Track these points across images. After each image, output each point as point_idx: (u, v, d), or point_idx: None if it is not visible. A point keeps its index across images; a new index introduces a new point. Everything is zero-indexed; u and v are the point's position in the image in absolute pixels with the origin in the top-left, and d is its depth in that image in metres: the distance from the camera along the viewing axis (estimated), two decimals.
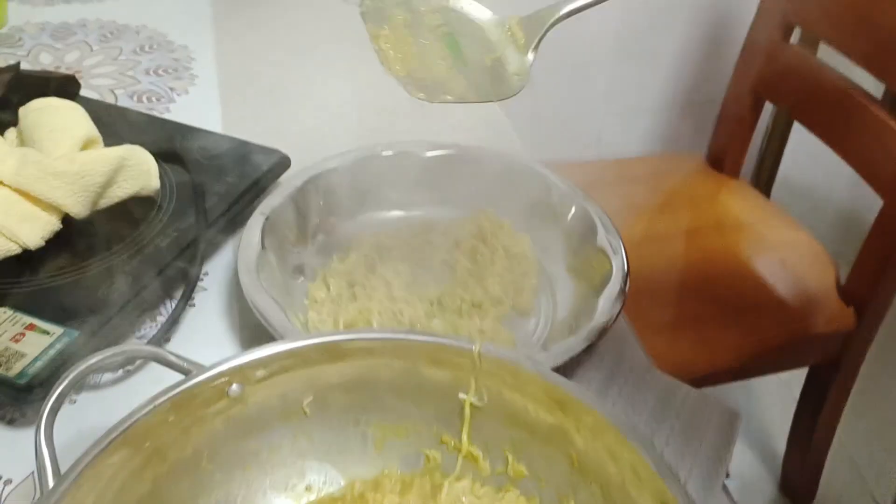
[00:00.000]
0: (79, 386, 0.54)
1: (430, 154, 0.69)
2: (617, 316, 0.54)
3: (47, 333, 0.53)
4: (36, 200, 0.58)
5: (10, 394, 0.50)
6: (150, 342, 0.56)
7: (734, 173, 1.36)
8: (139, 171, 0.62)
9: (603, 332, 0.53)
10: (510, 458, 0.46)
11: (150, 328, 0.59)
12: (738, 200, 1.32)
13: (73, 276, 0.58)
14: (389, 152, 0.68)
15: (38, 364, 0.50)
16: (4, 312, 0.54)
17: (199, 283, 0.63)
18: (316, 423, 0.47)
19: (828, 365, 1.16)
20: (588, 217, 0.63)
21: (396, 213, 0.68)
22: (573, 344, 0.52)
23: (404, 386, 0.47)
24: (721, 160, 1.37)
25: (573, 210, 0.64)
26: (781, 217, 1.28)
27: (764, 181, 1.56)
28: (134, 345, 0.46)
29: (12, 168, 0.58)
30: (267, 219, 0.61)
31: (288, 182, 0.65)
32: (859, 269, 1.11)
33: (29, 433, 0.52)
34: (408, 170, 0.68)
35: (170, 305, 0.60)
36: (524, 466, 0.46)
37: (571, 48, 1.46)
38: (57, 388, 0.41)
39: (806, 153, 1.43)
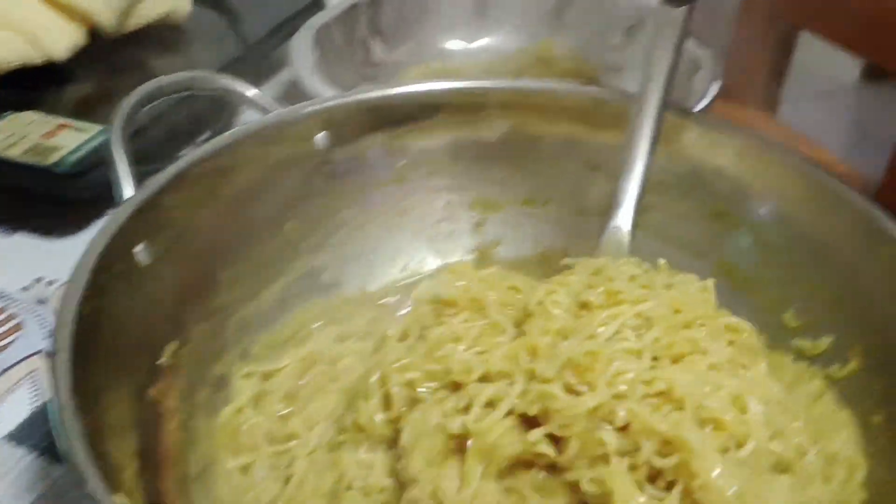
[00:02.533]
0: None
1: None
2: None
3: (83, 131, 0.46)
4: (62, 8, 0.51)
5: (48, 184, 0.43)
6: None
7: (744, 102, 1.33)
8: None
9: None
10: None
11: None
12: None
13: (106, 90, 0.51)
14: None
15: (78, 154, 0.44)
16: (32, 115, 0.47)
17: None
18: (409, 194, 0.41)
19: None
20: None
21: (452, 43, 0.62)
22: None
23: (511, 151, 0.41)
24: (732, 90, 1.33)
25: (646, 26, 0.59)
26: (803, 141, 1.24)
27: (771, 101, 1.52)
28: (211, 74, 0.39)
29: None
30: (316, 32, 0.54)
31: (334, 6, 0.59)
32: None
33: (68, 242, 0.45)
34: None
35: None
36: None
37: None
38: (133, 97, 0.35)
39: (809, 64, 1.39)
